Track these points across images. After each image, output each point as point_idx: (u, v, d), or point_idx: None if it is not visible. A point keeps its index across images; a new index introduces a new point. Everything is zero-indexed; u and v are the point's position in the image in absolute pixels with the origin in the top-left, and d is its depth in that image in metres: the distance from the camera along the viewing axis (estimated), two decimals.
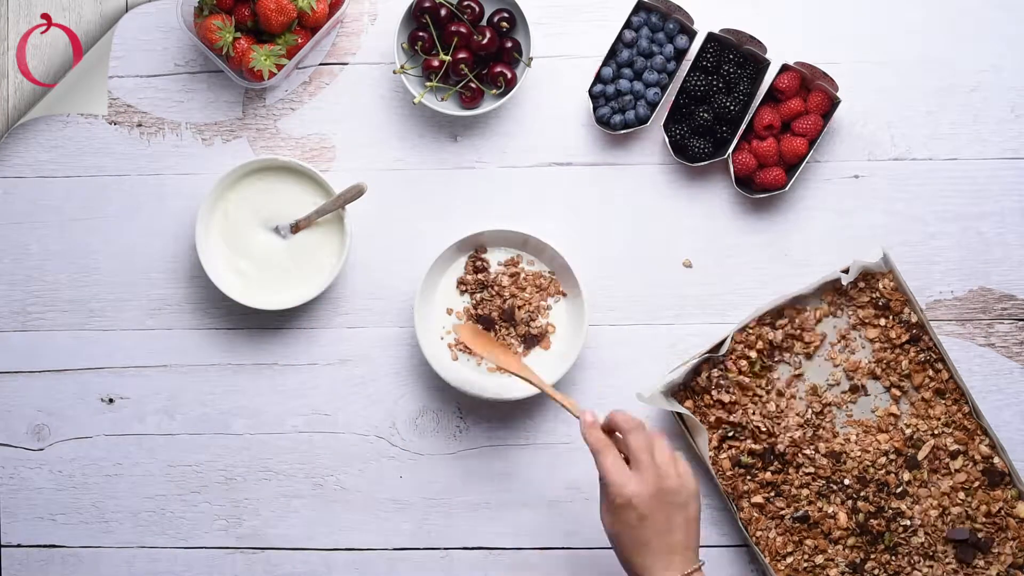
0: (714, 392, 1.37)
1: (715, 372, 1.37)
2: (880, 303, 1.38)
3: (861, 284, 1.39)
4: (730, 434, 1.38)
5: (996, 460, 1.36)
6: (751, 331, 1.38)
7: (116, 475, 1.44)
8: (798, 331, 1.39)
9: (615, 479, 1.21)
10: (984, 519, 1.36)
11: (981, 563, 1.36)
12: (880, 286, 1.38)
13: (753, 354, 1.38)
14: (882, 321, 1.39)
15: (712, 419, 1.38)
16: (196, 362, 1.43)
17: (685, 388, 1.39)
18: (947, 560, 1.36)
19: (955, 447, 1.37)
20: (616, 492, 1.21)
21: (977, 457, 1.37)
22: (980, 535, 1.36)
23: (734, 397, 1.37)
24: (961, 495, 1.37)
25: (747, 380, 1.38)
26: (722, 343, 1.38)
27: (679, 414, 1.38)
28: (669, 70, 1.39)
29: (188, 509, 1.44)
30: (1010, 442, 1.39)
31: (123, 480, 1.44)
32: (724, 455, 1.38)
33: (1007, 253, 1.41)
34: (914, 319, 1.37)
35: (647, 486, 1.21)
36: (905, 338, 1.38)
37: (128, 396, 1.44)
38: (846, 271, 1.38)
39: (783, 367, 1.39)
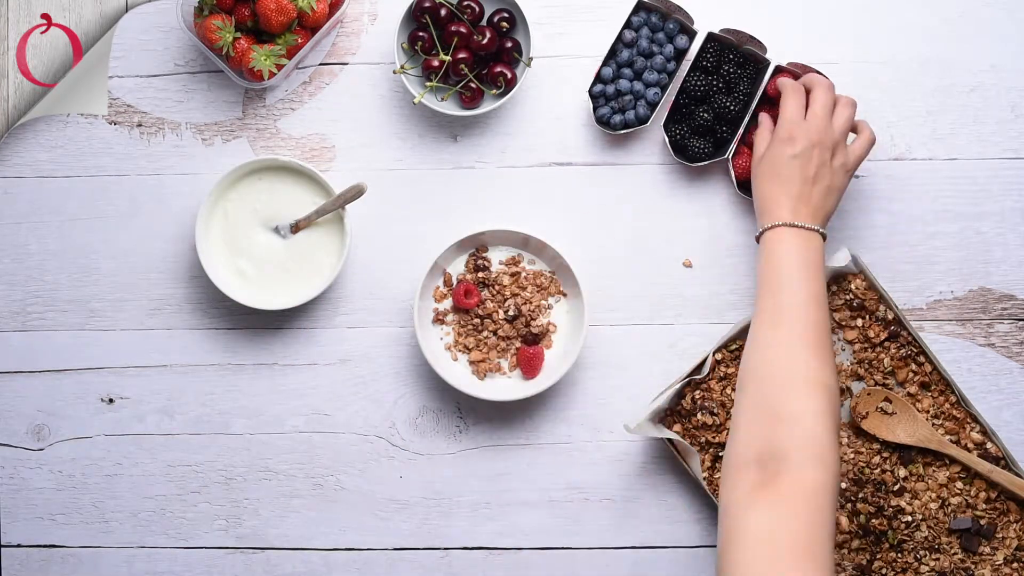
0: (699, 415, 1.37)
1: (698, 394, 1.37)
2: (855, 304, 1.38)
3: (834, 288, 1.39)
4: (721, 453, 1.37)
5: (989, 445, 1.36)
6: (729, 351, 1.38)
7: (116, 475, 1.44)
8: None
9: (790, 115, 1.30)
10: (984, 505, 1.36)
11: (987, 549, 1.36)
12: (853, 287, 1.38)
13: (733, 371, 1.38)
14: (859, 321, 1.38)
15: (702, 440, 1.38)
16: (196, 362, 1.43)
17: (672, 413, 1.39)
18: (953, 551, 1.36)
19: (947, 437, 1.37)
20: (784, 127, 1.29)
21: (970, 445, 1.37)
22: (983, 522, 1.36)
23: (719, 419, 1.37)
24: (959, 484, 1.37)
25: (731, 399, 1.37)
26: (702, 364, 1.38)
27: (670, 440, 1.38)
28: (669, 70, 1.39)
29: (188, 509, 1.44)
30: (1010, 442, 1.39)
31: (123, 480, 1.44)
32: (719, 474, 1.38)
33: (1007, 253, 1.41)
34: (890, 316, 1.37)
35: (813, 134, 1.28)
36: (884, 335, 1.38)
37: (128, 396, 1.44)
38: None
39: None
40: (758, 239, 1.28)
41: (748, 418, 1.17)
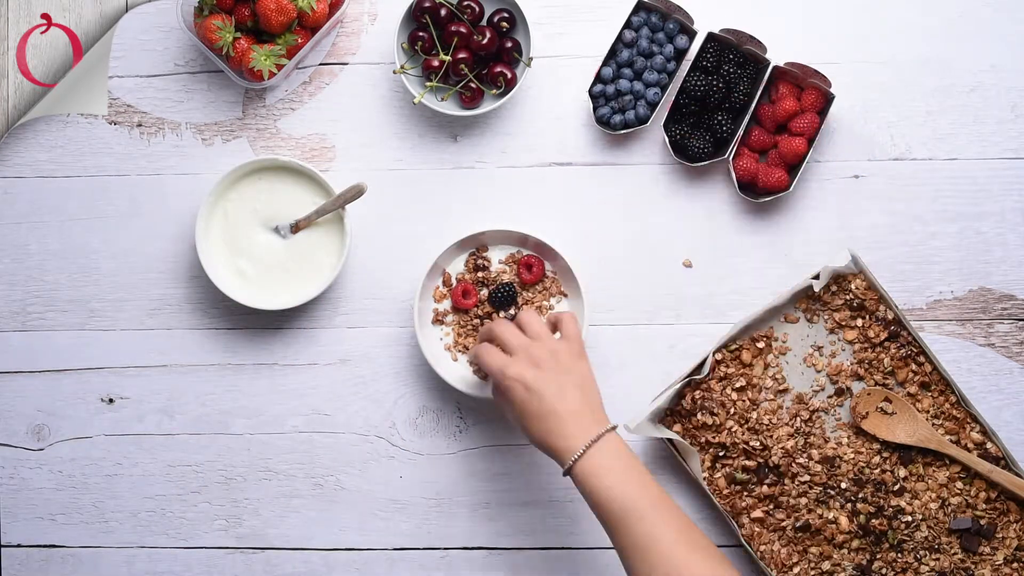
0: (699, 415, 1.37)
1: (698, 394, 1.37)
2: (855, 304, 1.38)
3: (834, 288, 1.39)
4: (722, 453, 1.38)
5: (989, 445, 1.36)
6: (729, 351, 1.38)
7: (116, 475, 1.44)
8: (775, 342, 1.39)
9: (493, 364, 1.25)
10: (984, 505, 1.36)
11: (987, 549, 1.36)
12: (852, 287, 1.38)
13: (734, 371, 1.38)
14: (859, 321, 1.39)
15: (702, 440, 1.38)
16: (196, 362, 1.43)
17: (672, 413, 1.39)
18: (953, 551, 1.36)
19: (947, 437, 1.37)
20: (497, 378, 1.25)
21: (970, 445, 1.37)
22: (982, 522, 1.36)
23: (719, 419, 1.37)
24: (959, 484, 1.37)
25: (731, 399, 1.37)
26: (702, 364, 1.38)
27: (670, 440, 1.38)
28: (669, 70, 1.39)
29: (188, 509, 1.44)
30: (1010, 442, 1.39)
31: (123, 480, 1.44)
32: (719, 474, 1.38)
33: (1007, 253, 1.41)
34: (890, 316, 1.37)
35: (523, 360, 1.24)
36: (884, 335, 1.38)
37: (128, 396, 1.44)
38: (816, 277, 1.37)
39: (767, 380, 1.39)
40: (567, 475, 1.22)
41: None
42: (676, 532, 1.17)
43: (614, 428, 1.23)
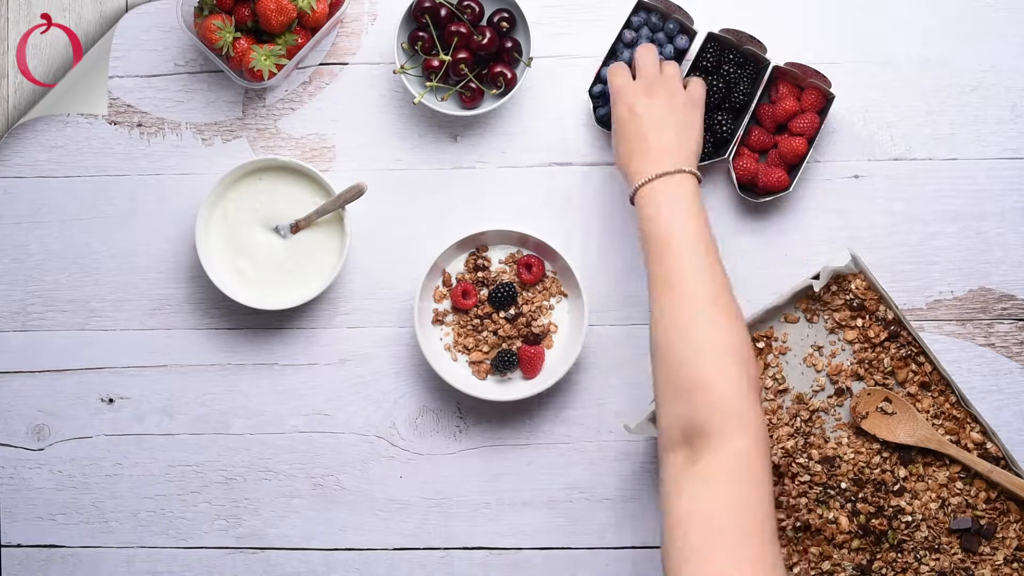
0: None
1: None
2: (855, 304, 1.38)
3: (834, 288, 1.39)
4: None
5: (989, 445, 1.36)
6: None
7: (116, 475, 1.44)
8: (775, 342, 1.39)
9: (616, 81, 1.31)
10: (984, 506, 1.36)
11: (987, 549, 1.36)
12: (853, 287, 1.38)
13: None
14: (859, 321, 1.38)
15: None
16: (196, 362, 1.43)
17: None
18: (953, 551, 1.36)
19: (947, 437, 1.37)
20: (613, 94, 1.31)
21: (970, 445, 1.37)
22: (983, 522, 1.36)
23: None
24: (959, 484, 1.37)
25: None
26: None
27: None
28: None
29: (188, 509, 1.44)
30: (1010, 442, 1.39)
31: (123, 480, 1.44)
32: None
33: (1007, 253, 1.41)
34: (891, 316, 1.37)
35: (642, 86, 1.30)
36: (884, 336, 1.38)
37: (128, 396, 1.44)
38: (816, 277, 1.37)
39: (767, 380, 1.39)
40: (632, 202, 1.27)
41: (664, 396, 1.16)
42: (708, 279, 1.18)
43: (696, 176, 1.24)
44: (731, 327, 1.16)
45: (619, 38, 1.39)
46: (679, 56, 1.39)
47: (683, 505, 1.09)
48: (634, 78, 1.33)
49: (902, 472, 1.37)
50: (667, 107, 1.29)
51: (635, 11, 1.39)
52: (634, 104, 1.29)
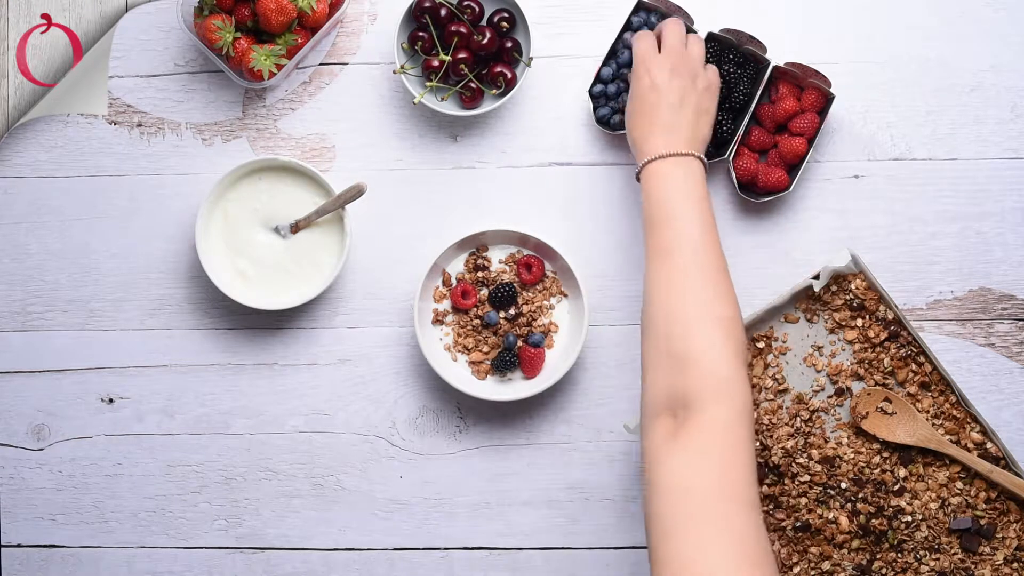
0: None
1: None
2: (855, 304, 1.38)
3: (834, 288, 1.39)
4: None
5: (989, 445, 1.36)
6: None
7: (116, 475, 1.44)
8: (775, 342, 1.39)
9: (640, 49, 1.31)
10: (984, 505, 1.36)
11: (987, 549, 1.36)
12: (853, 287, 1.38)
13: None
14: (859, 321, 1.38)
15: None
16: (196, 362, 1.43)
17: None
18: (953, 551, 1.36)
19: (947, 437, 1.37)
20: (636, 63, 1.30)
21: (970, 445, 1.37)
22: (983, 522, 1.36)
23: None
24: (959, 484, 1.37)
25: None
26: None
27: None
28: None
29: (188, 509, 1.44)
30: (1010, 442, 1.39)
31: (123, 480, 1.44)
32: None
33: (1007, 253, 1.41)
34: (891, 316, 1.37)
35: (666, 60, 1.29)
36: (884, 336, 1.38)
37: (128, 396, 1.44)
38: (816, 277, 1.37)
39: (767, 380, 1.39)
40: (638, 178, 1.27)
41: (651, 365, 1.17)
42: (704, 256, 1.18)
43: (703, 161, 1.25)
44: (723, 301, 1.18)
45: (619, 38, 1.39)
46: None
47: (664, 477, 1.09)
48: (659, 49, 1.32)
49: (902, 472, 1.37)
50: (689, 88, 1.29)
51: (635, 11, 1.39)
52: (656, 78, 1.28)
